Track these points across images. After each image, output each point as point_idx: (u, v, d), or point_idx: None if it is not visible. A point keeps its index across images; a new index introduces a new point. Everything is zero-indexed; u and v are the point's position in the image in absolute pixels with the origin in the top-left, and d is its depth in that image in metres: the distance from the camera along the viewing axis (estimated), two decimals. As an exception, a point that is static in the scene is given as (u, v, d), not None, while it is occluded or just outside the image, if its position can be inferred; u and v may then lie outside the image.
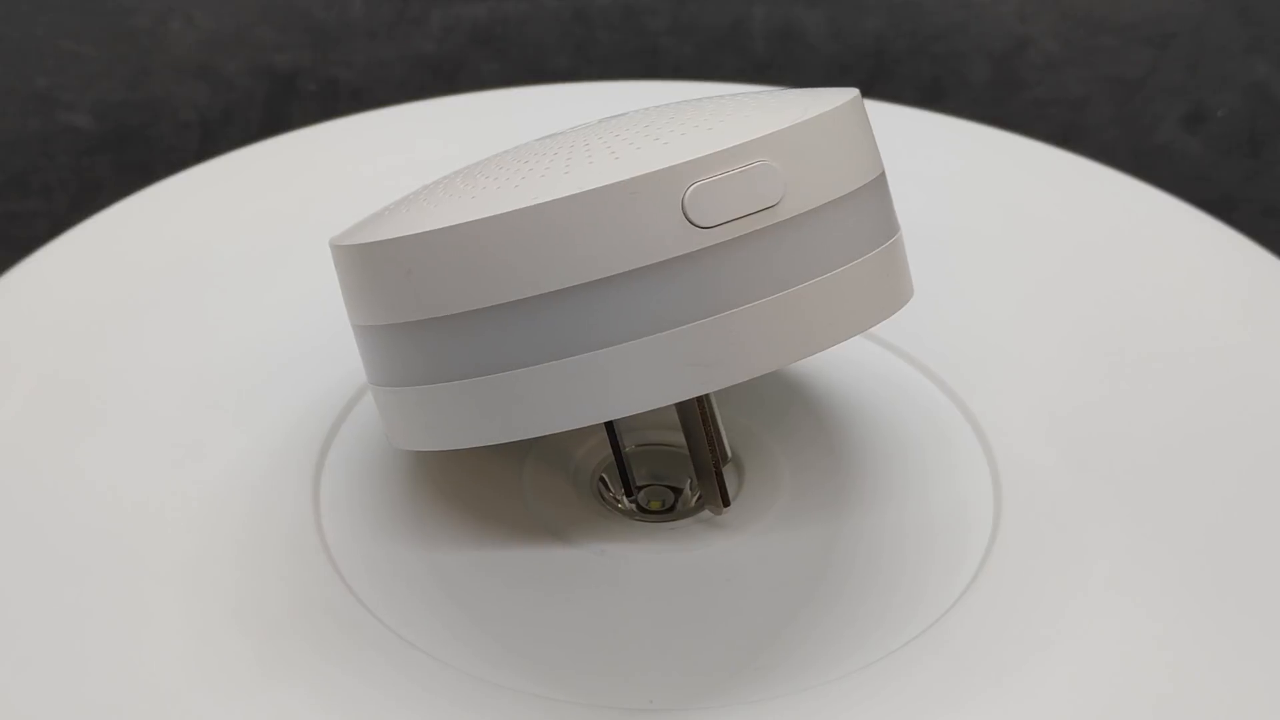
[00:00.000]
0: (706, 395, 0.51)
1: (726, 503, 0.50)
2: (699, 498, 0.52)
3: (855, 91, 0.47)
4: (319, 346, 0.57)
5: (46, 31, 0.89)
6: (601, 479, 0.53)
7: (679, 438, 0.53)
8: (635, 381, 0.43)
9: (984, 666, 0.47)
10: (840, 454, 0.53)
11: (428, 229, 0.43)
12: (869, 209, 0.46)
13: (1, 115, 0.86)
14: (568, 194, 0.42)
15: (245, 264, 0.61)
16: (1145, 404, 0.55)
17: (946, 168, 0.66)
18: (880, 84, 0.88)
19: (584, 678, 0.47)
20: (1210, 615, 0.48)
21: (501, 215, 0.43)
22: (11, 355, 0.57)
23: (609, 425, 0.50)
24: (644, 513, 0.52)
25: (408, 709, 0.46)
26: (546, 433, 0.44)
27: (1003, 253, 0.62)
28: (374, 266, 0.45)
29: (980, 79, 0.89)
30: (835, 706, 0.46)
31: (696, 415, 0.49)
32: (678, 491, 0.53)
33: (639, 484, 0.53)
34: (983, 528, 0.51)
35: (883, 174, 0.47)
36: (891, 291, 0.46)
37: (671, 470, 0.53)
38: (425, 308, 0.44)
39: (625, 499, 0.52)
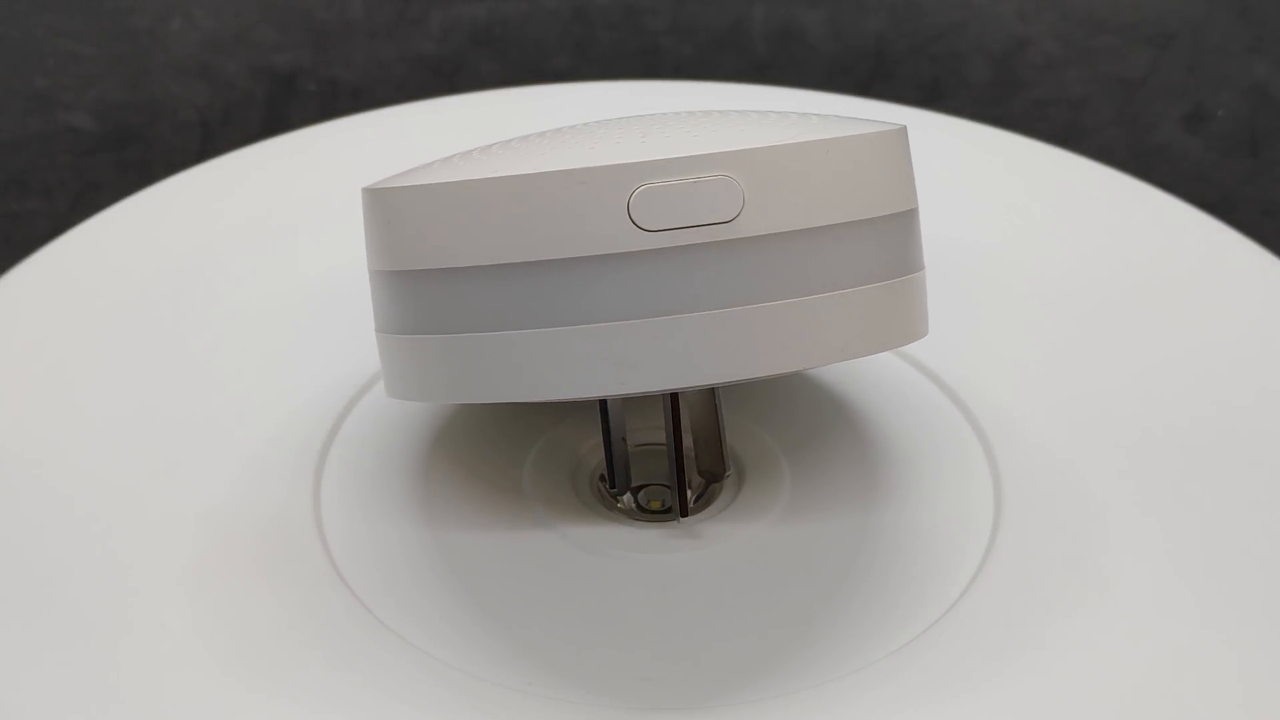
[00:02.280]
0: (704, 400, 0.51)
1: (683, 512, 0.50)
2: (698, 499, 0.52)
3: (894, 126, 0.46)
4: (320, 346, 0.57)
5: (46, 31, 0.89)
6: (602, 477, 0.53)
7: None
8: (555, 367, 0.44)
9: (983, 667, 0.47)
10: (841, 455, 0.53)
11: (403, 185, 0.45)
12: (865, 243, 0.45)
13: (1, 115, 0.86)
14: (519, 173, 0.43)
15: (245, 264, 0.61)
16: (1145, 403, 0.55)
17: (946, 168, 0.66)
18: (880, 84, 0.88)
19: (580, 677, 0.47)
20: (1211, 617, 0.48)
21: (459, 183, 0.44)
22: (11, 355, 0.57)
23: (603, 420, 0.50)
24: (644, 512, 0.52)
25: (399, 704, 0.46)
26: (468, 401, 0.45)
27: (1003, 253, 0.62)
28: (370, 213, 0.46)
29: (980, 79, 0.89)
30: (835, 706, 0.46)
31: (670, 418, 0.49)
32: (677, 491, 0.53)
33: (638, 484, 0.52)
34: (983, 529, 0.51)
35: (905, 212, 0.46)
36: (880, 330, 0.46)
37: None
38: (394, 259, 0.45)
39: (611, 492, 0.52)
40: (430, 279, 0.45)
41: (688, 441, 0.53)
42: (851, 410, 0.55)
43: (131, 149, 0.85)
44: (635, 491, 0.52)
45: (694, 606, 0.49)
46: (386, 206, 0.45)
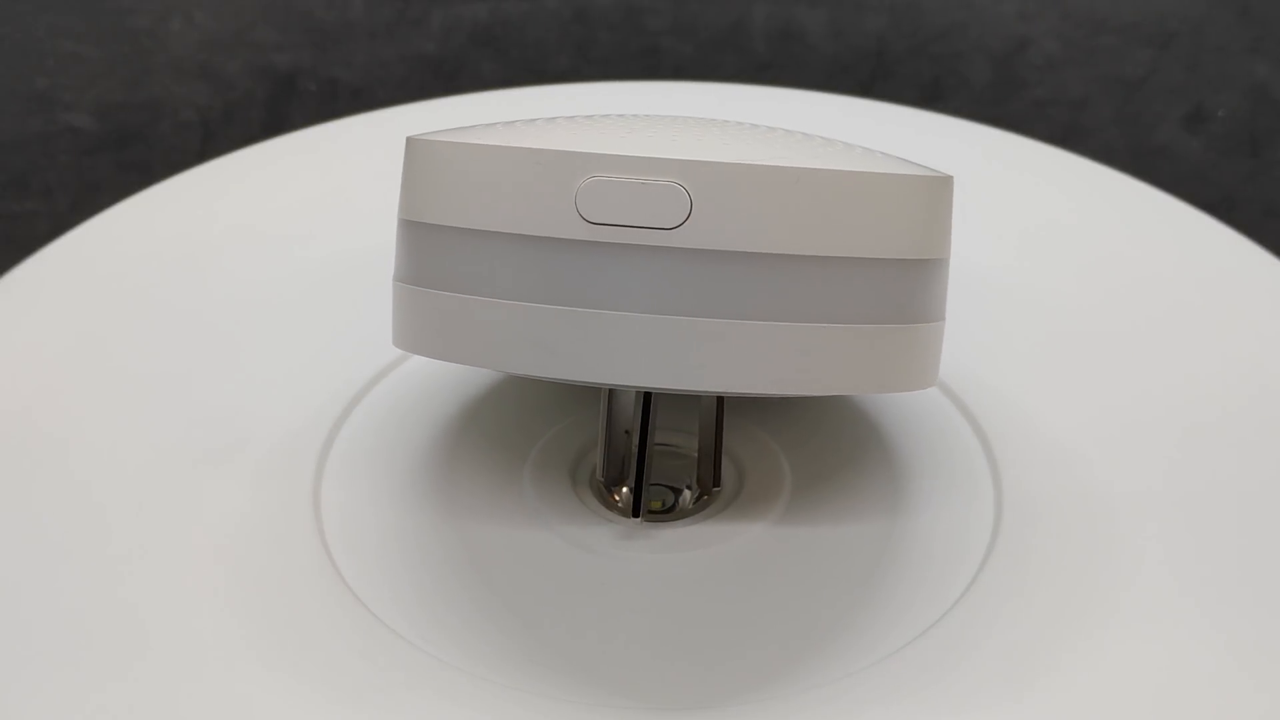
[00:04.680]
0: (709, 410, 0.51)
1: (635, 513, 0.50)
2: (698, 499, 0.52)
3: (911, 173, 0.45)
4: (320, 346, 0.57)
5: (46, 31, 0.89)
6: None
7: (680, 438, 0.53)
8: (483, 336, 0.44)
9: (980, 670, 0.47)
10: (843, 461, 0.53)
11: (415, 137, 0.46)
12: (824, 280, 0.44)
13: (1, 115, 0.86)
14: (493, 144, 0.44)
15: (246, 264, 0.61)
16: (1144, 404, 0.55)
17: (947, 168, 0.66)
18: (880, 84, 0.88)
19: (578, 676, 0.47)
20: (1207, 624, 0.48)
21: (441, 143, 0.45)
22: (12, 355, 0.57)
23: (606, 409, 0.50)
24: (645, 513, 0.52)
25: (400, 704, 0.46)
26: (416, 354, 0.46)
27: (1002, 253, 0.62)
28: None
29: (980, 79, 0.89)
30: (834, 707, 0.46)
31: (639, 415, 0.49)
32: (678, 492, 0.53)
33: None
34: (982, 532, 0.51)
35: (892, 260, 0.44)
36: (839, 372, 0.44)
37: (672, 470, 0.53)
38: (400, 205, 0.47)
39: (600, 481, 0.52)
40: (411, 230, 0.46)
41: (683, 442, 0.53)
42: (860, 419, 0.55)
43: (131, 149, 0.86)
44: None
45: (691, 607, 0.49)
46: (405, 156, 0.46)
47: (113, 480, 0.52)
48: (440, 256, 0.45)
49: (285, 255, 0.62)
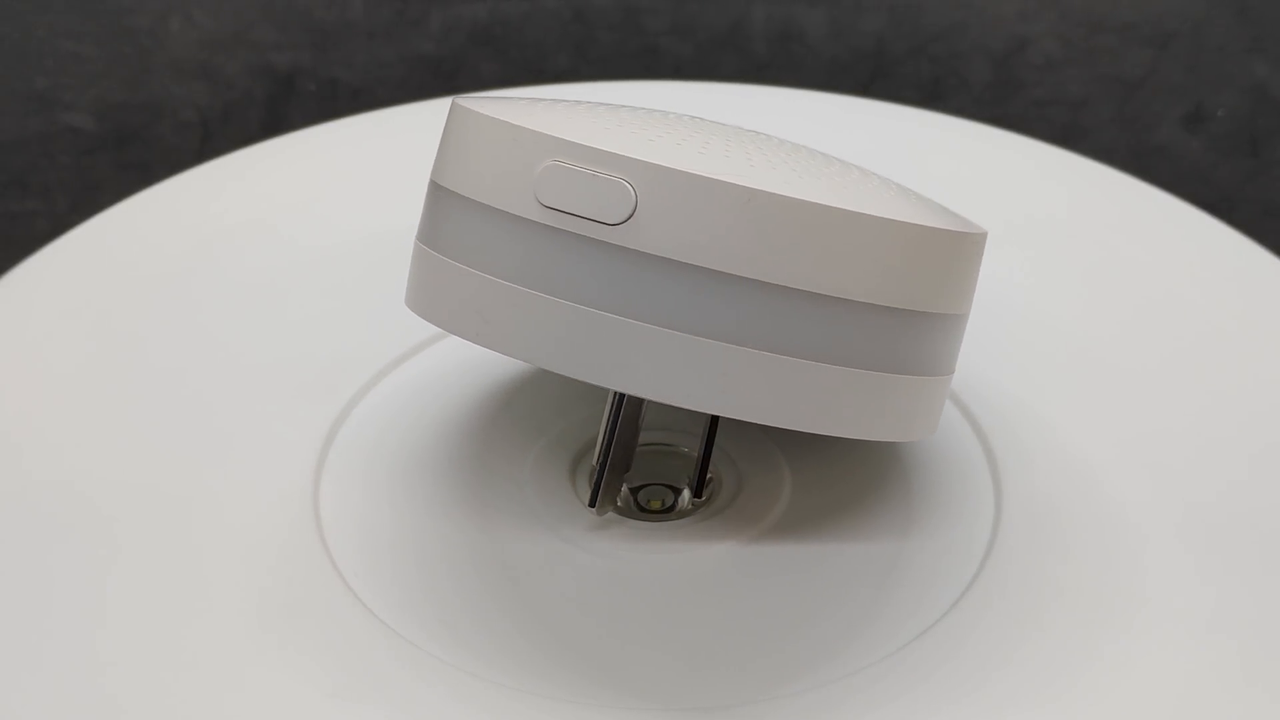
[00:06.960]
0: (707, 423, 0.51)
1: (592, 503, 0.50)
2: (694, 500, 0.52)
3: (943, 222, 0.45)
4: (319, 347, 0.57)
5: (46, 31, 0.89)
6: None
7: (679, 438, 0.53)
8: (438, 294, 0.46)
9: (976, 671, 0.47)
10: (841, 458, 0.53)
11: (453, 102, 0.47)
12: (767, 306, 0.43)
13: (1, 115, 0.86)
14: (483, 113, 0.45)
15: (246, 264, 0.61)
16: (1143, 406, 0.55)
17: (947, 168, 0.66)
18: (880, 84, 0.88)
19: (578, 676, 0.47)
20: (1204, 632, 0.48)
21: (457, 107, 0.46)
22: (12, 356, 0.57)
23: (612, 402, 0.50)
24: (643, 511, 0.52)
25: (402, 704, 0.46)
26: (409, 308, 0.47)
27: (1002, 254, 0.62)
28: None
29: (980, 79, 0.89)
30: (833, 707, 0.46)
31: (610, 413, 0.49)
32: (678, 491, 0.53)
33: (640, 484, 0.52)
34: (982, 534, 0.51)
35: (839, 300, 0.43)
36: (772, 402, 0.44)
37: (673, 470, 0.53)
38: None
39: (595, 466, 0.52)
40: (428, 187, 0.47)
41: (684, 442, 0.53)
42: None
43: (131, 149, 0.86)
44: (635, 491, 0.52)
45: (690, 607, 0.49)
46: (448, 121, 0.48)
47: (110, 481, 0.52)
48: (432, 214, 0.46)
49: (285, 255, 0.62)
